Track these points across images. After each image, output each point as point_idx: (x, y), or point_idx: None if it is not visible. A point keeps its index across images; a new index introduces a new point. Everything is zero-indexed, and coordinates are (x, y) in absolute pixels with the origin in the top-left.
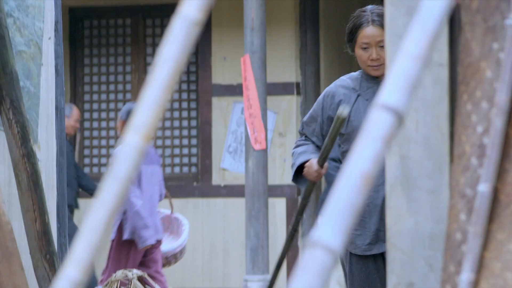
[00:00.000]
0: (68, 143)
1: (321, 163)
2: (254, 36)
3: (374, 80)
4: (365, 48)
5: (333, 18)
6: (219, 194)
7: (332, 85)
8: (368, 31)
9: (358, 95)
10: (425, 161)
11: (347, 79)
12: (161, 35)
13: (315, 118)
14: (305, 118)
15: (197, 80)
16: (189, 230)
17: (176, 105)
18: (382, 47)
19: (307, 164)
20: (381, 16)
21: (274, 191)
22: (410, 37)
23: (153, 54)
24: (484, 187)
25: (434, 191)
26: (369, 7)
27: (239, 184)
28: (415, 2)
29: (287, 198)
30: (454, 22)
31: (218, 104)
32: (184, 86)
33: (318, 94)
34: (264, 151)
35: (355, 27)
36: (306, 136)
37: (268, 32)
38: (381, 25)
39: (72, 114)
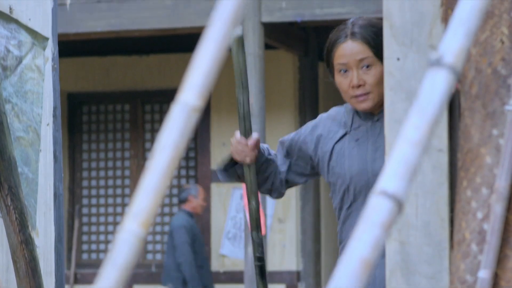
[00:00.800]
0: (195, 223)
1: (243, 132)
2: (253, 121)
3: (369, 116)
4: (344, 72)
5: (332, 104)
6: (219, 280)
7: (324, 114)
8: (346, 48)
9: (345, 133)
10: (424, 247)
11: (343, 109)
12: (160, 120)
13: (294, 143)
14: (285, 139)
15: (196, 166)
16: None
17: (175, 191)
18: (369, 67)
19: (231, 139)
20: (365, 28)
21: (274, 277)
22: (410, 122)
23: (152, 139)
24: (484, 274)
25: (434, 277)
26: (352, 18)
27: (239, 270)
28: (415, 87)
29: (286, 285)
30: (453, 107)
31: (217, 190)
32: (183, 172)
33: (317, 180)
34: (264, 237)
35: (330, 45)
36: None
37: (268, 118)
38: (365, 40)
39: (199, 193)
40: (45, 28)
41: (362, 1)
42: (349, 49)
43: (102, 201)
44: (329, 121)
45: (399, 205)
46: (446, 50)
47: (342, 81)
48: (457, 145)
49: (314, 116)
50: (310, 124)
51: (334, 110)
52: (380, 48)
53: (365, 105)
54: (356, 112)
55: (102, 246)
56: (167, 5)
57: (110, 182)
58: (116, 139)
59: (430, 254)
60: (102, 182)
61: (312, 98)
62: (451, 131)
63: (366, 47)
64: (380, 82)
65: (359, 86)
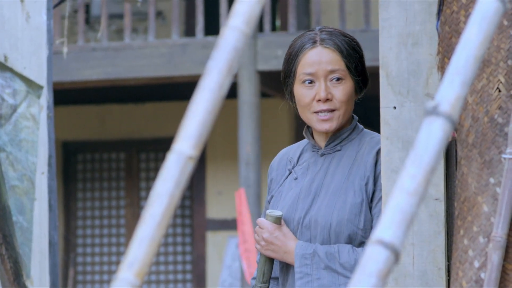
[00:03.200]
0: None
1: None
2: (249, 170)
3: (315, 149)
4: (309, 83)
5: None
6: None
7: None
8: (315, 55)
9: (290, 173)
10: None
11: (296, 144)
12: (155, 169)
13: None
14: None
15: (192, 214)
16: None
17: (170, 239)
18: (339, 81)
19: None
20: (336, 35)
21: None
22: (406, 172)
23: (147, 188)
24: None
25: None
26: (319, 26)
27: None
28: (411, 136)
29: None
30: (450, 156)
31: (213, 238)
32: (179, 221)
33: None
34: None
35: (294, 51)
36: None
37: (263, 166)
38: (338, 48)
39: None
40: (40, 76)
41: None
42: (318, 57)
43: (97, 249)
44: (277, 162)
45: (395, 254)
46: (443, 98)
47: (305, 93)
48: (454, 193)
49: None
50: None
51: (287, 147)
52: (352, 61)
53: (328, 125)
54: (307, 145)
55: None
56: (163, 53)
57: (105, 230)
58: (111, 187)
59: None
60: (97, 231)
61: None
62: (448, 180)
63: (339, 56)
64: (348, 100)
65: (326, 100)
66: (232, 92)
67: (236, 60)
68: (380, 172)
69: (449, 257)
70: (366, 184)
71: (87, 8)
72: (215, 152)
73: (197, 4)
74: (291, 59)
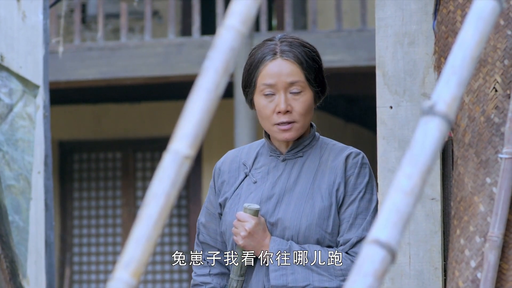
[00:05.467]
0: None
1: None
2: None
3: (275, 154)
4: (268, 95)
5: None
6: None
7: (221, 159)
8: (274, 67)
9: (246, 176)
10: None
11: (245, 147)
12: (151, 169)
13: (212, 212)
14: (201, 217)
15: (188, 214)
16: None
17: (166, 239)
18: (298, 93)
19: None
20: (296, 46)
21: None
22: (402, 171)
23: (143, 188)
24: None
25: None
26: (280, 35)
27: None
28: (407, 136)
29: None
30: (446, 156)
31: None
32: (175, 220)
33: None
34: None
35: (254, 64)
36: (205, 249)
37: None
38: (298, 60)
39: None
40: (36, 76)
41: (355, 49)
42: (278, 69)
43: (93, 249)
44: (230, 164)
45: (391, 253)
46: (439, 98)
47: (265, 105)
48: (450, 193)
49: None
50: (213, 178)
51: (235, 150)
52: (311, 72)
53: (288, 135)
54: (264, 146)
55: None
56: (158, 53)
57: (102, 230)
58: (107, 187)
59: None
60: (93, 230)
61: None
62: (444, 180)
63: (298, 69)
64: (307, 111)
65: (286, 112)
66: (229, 92)
67: (233, 59)
68: (350, 177)
69: (445, 257)
70: (337, 190)
71: (84, 7)
72: (212, 152)
73: (194, 4)
74: (252, 69)
